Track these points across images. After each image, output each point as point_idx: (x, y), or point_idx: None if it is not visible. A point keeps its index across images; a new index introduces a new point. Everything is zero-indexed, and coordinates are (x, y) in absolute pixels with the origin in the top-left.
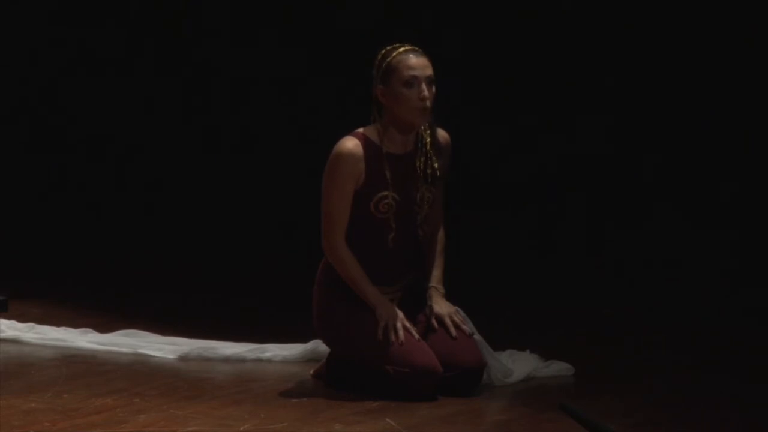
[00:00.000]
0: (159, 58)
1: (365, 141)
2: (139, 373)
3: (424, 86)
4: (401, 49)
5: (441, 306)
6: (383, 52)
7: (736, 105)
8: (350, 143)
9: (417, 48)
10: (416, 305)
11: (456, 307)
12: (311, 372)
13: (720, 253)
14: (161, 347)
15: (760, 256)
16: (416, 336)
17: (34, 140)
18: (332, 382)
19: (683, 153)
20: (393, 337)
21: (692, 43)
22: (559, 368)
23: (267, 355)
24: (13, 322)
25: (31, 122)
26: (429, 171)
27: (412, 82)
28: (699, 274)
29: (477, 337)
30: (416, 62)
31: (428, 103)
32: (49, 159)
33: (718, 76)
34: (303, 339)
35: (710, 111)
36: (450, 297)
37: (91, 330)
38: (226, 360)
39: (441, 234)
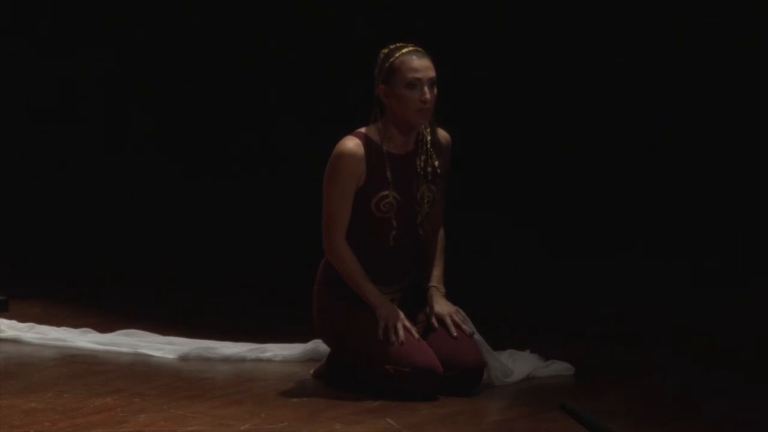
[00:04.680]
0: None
1: (366, 141)
2: (139, 373)
3: (426, 89)
4: (405, 50)
5: (441, 305)
6: (386, 51)
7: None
8: (351, 143)
9: (420, 48)
10: (416, 305)
11: (456, 307)
12: (311, 372)
13: (719, 253)
14: (161, 347)
15: (760, 256)
16: (416, 336)
17: (35, 140)
18: (332, 381)
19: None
20: (393, 337)
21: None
22: (559, 368)
23: (267, 355)
24: (13, 322)
25: (32, 122)
26: (429, 169)
27: (415, 83)
28: (698, 274)
29: (477, 336)
30: (419, 64)
31: (429, 106)
32: (50, 159)
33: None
34: (303, 339)
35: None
36: (450, 296)
37: (91, 330)
38: (226, 360)
39: (441, 233)
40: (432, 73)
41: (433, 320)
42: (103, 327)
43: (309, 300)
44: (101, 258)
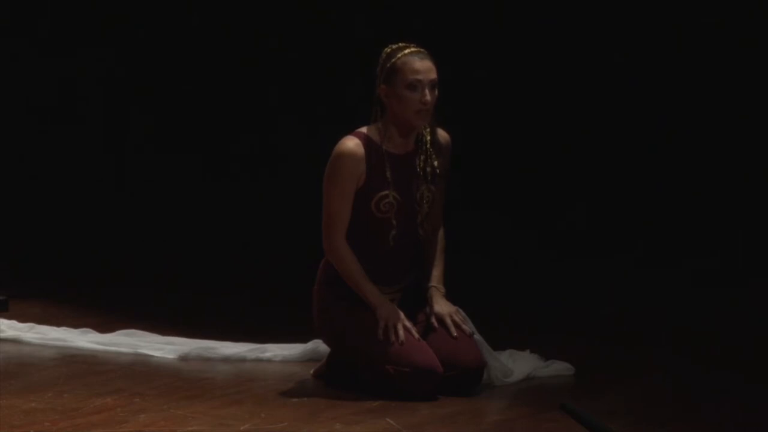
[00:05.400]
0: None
1: (366, 141)
2: (139, 373)
3: (426, 91)
4: (407, 51)
5: (441, 305)
6: (388, 50)
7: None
8: (351, 143)
9: (422, 50)
10: (416, 305)
11: (456, 307)
12: (311, 372)
13: (719, 253)
14: (161, 347)
15: (760, 256)
16: (416, 336)
17: (35, 140)
18: (332, 381)
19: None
20: (393, 337)
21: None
22: (559, 368)
23: (267, 355)
24: (13, 322)
25: (34, 123)
26: (429, 169)
27: (415, 85)
28: (698, 274)
29: (477, 336)
30: (421, 66)
31: (429, 108)
32: (50, 159)
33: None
34: (303, 339)
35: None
36: (450, 296)
37: (91, 330)
38: (226, 360)
39: (441, 234)
40: (433, 75)
41: (433, 320)
42: (103, 327)
43: (309, 300)
44: (101, 258)
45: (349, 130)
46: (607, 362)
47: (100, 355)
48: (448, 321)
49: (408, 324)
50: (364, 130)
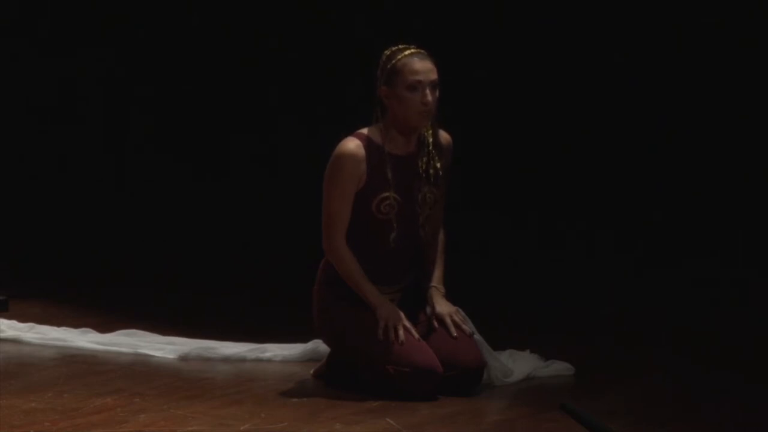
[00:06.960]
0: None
1: (367, 142)
2: (139, 373)
3: (427, 91)
4: (407, 52)
5: (441, 306)
6: (389, 52)
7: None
8: (352, 144)
9: (423, 51)
10: (416, 305)
11: (456, 307)
12: (311, 372)
13: (719, 253)
14: (161, 347)
15: (760, 256)
16: (416, 336)
17: (35, 140)
18: (332, 381)
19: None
20: (393, 337)
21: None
22: (559, 368)
23: (267, 355)
24: (13, 322)
25: (34, 123)
26: (431, 171)
27: (416, 86)
28: (698, 274)
29: (477, 336)
30: (421, 66)
31: (430, 108)
32: (50, 159)
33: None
34: (303, 339)
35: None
36: (450, 296)
37: (91, 330)
38: (226, 360)
39: (442, 234)
40: (434, 76)
41: (433, 320)
42: (103, 327)
43: (309, 300)
44: (101, 258)
45: (349, 131)
46: (607, 362)
47: (100, 355)
48: (448, 321)
49: (408, 324)
50: (364, 131)
